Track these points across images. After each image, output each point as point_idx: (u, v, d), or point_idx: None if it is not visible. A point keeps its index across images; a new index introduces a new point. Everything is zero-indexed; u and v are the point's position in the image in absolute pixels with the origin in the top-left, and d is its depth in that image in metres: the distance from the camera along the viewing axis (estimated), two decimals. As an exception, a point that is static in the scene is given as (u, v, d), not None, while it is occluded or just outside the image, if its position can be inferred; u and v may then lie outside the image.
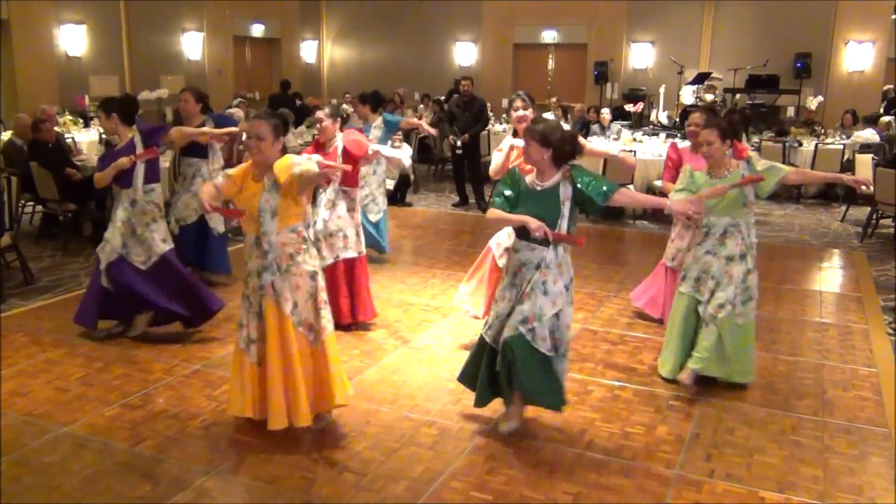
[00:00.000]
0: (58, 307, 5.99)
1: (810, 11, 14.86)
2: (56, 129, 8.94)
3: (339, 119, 5.54)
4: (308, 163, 3.80)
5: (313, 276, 3.85)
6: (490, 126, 12.20)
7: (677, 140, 5.82)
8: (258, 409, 3.89)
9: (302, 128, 11.84)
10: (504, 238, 4.99)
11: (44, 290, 6.43)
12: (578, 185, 3.74)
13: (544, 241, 3.69)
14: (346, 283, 5.47)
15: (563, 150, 3.73)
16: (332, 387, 3.86)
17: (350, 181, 5.48)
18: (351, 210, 5.50)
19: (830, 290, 6.96)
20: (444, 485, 3.55)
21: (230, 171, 3.93)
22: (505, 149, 5.08)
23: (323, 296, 3.89)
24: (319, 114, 5.43)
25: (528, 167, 3.93)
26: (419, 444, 3.91)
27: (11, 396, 4.38)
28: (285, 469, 3.66)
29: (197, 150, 6.26)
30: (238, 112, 10.00)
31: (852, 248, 8.60)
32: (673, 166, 5.57)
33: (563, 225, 3.72)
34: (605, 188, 3.74)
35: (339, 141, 5.42)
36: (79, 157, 8.75)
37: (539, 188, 3.79)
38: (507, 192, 3.83)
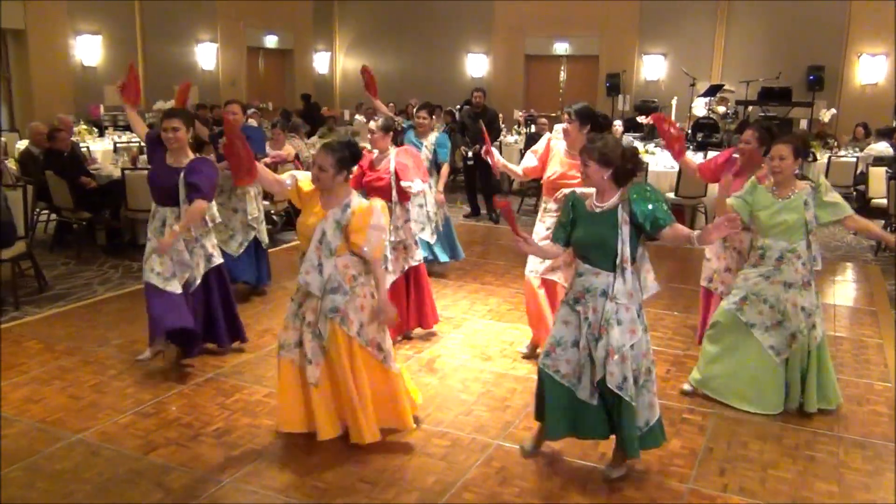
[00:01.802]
0: (71, 315, 6.03)
1: (823, 24, 14.85)
2: (71, 138, 9.02)
3: (391, 132, 5.44)
4: (380, 241, 3.74)
5: (373, 294, 3.83)
6: (501, 137, 12.23)
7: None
8: (311, 425, 3.90)
9: (315, 138, 11.89)
10: (537, 264, 4.96)
11: (57, 297, 6.47)
12: (633, 210, 3.44)
13: (592, 261, 3.52)
14: (412, 290, 5.48)
15: (624, 168, 3.46)
16: (403, 407, 3.94)
17: (404, 196, 5.36)
18: (407, 221, 5.46)
19: (844, 304, 6.92)
20: (455, 496, 3.54)
21: (301, 178, 3.90)
22: (541, 148, 5.08)
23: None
24: (371, 125, 5.35)
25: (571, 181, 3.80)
26: (431, 455, 3.90)
27: (25, 403, 4.41)
28: (297, 478, 3.65)
29: None
30: (251, 122, 10.04)
31: (866, 261, 8.55)
32: (712, 163, 5.30)
33: (626, 251, 3.43)
34: (657, 217, 3.41)
35: (393, 158, 5.28)
36: (93, 166, 8.82)
37: (598, 209, 3.52)
38: (563, 220, 3.65)
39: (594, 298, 3.51)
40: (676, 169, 9.35)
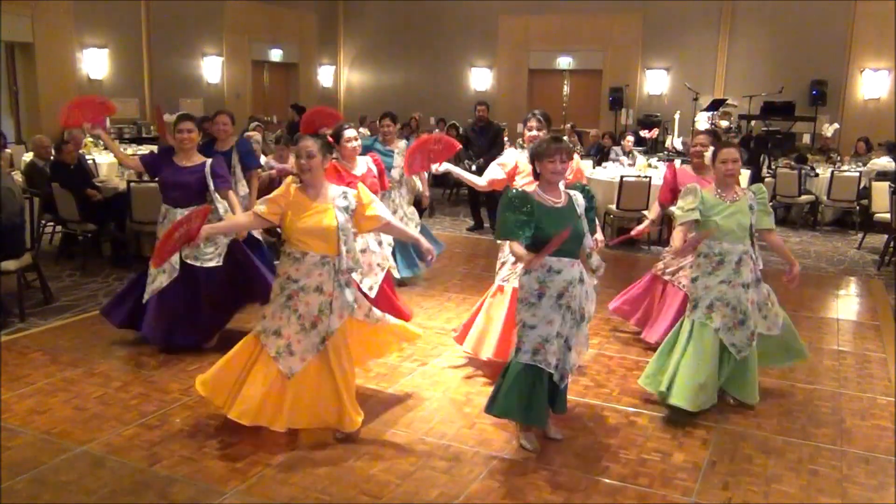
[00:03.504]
0: (76, 326, 6.05)
1: (826, 39, 14.91)
2: (78, 151, 9.06)
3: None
4: (385, 211, 4.14)
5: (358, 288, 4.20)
6: (505, 151, 12.26)
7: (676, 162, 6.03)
8: (278, 419, 3.99)
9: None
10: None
11: (63, 309, 6.49)
12: (586, 200, 4.00)
13: (570, 253, 3.85)
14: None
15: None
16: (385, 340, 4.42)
17: None
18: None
19: (847, 319, 6.92)
20: (459, 509, 3.54)
21: (269, 196, 4.02)
22: (510, 163, 5.16)
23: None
24: (351, 132, 5.51)
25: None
26: (434, 468, 3.91)
27: (30, 414, 4.42)
28: (301, 490, 3.66)
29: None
30: (255, 135, 10.09)
31: (869, 276, 8.55)
32: (667, 187, 5.68)
33: (588, 236, 3.91)
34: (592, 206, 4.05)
35: (366, 163, 5.68)
36: (99, 179, 8.87)
37: (559, 205, 3.89)
38: (527, 217, 3.82)
39: (574, 287, 3.89)
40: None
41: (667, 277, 5.61)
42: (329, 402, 4.01)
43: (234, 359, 4.08)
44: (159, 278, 5.25)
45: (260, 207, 3.97)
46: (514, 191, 3.94)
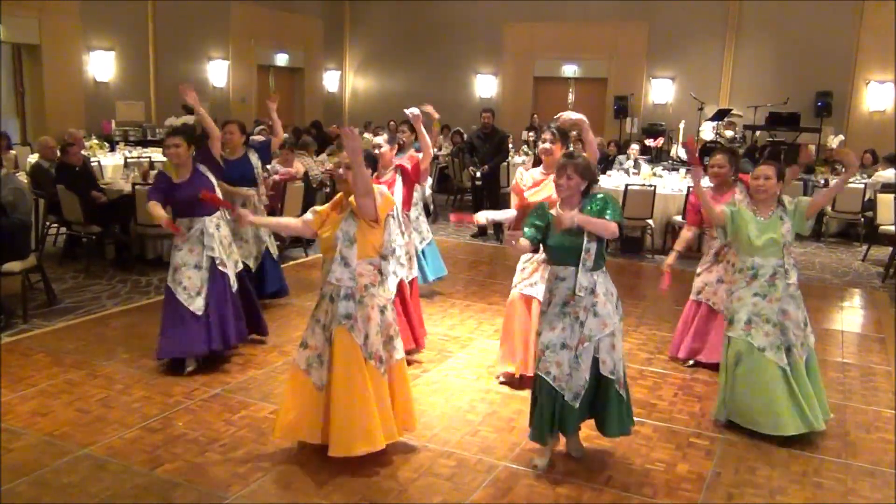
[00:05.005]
0: (80, 328, 6.06)
1: (832, 50, 14.92)
2: (82, 152, 9.09)
3: (396, 146, 5.60)
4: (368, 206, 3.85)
5: (383, 310, 3.91)
6: (510, 158, 12.27)
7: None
8: (315, 434, 3.89)
9: (323, 156, 11.95)
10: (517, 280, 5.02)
11: (66, 311, 6.49)
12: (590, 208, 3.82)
13: (571, 262, 3.80)
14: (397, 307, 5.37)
15: (594, 182, 3.88)
16: (397, 417, 3.96)
17: (405, 204, 5.54)
18: (405, 231, 5.50)
19: (852, 331, 6.89)
20: (461, 517, 3.53)
21: (318, 207, 4.03)
22: (515, 183, 5.12)
23: (392, 330, 3.96)
24: (378, 140, 5.43)
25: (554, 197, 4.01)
26: (437, 475, 3.89)
27: (33, 416, 4.42)
28: (303, 496, 3.65)
29: (246, 179, 6.32)
30: (260, 139, 10.10)
31: (874, 288, 8.52)
32: (694, 210, 5.58)
33: (593, 249, 3.77)
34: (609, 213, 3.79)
35: (393, 171, 5.51)
36: (104, 181, 8.88)
37: None
38: (538, 222, 3.88)
39: (584, 298, 3.80)
40: (683, 192, 9.37)
41: (694, 297, 5.65)
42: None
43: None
44: (196, 299, 5.11)
45: (308, 216, 4.01)
46: (541, 204, 4.04)
